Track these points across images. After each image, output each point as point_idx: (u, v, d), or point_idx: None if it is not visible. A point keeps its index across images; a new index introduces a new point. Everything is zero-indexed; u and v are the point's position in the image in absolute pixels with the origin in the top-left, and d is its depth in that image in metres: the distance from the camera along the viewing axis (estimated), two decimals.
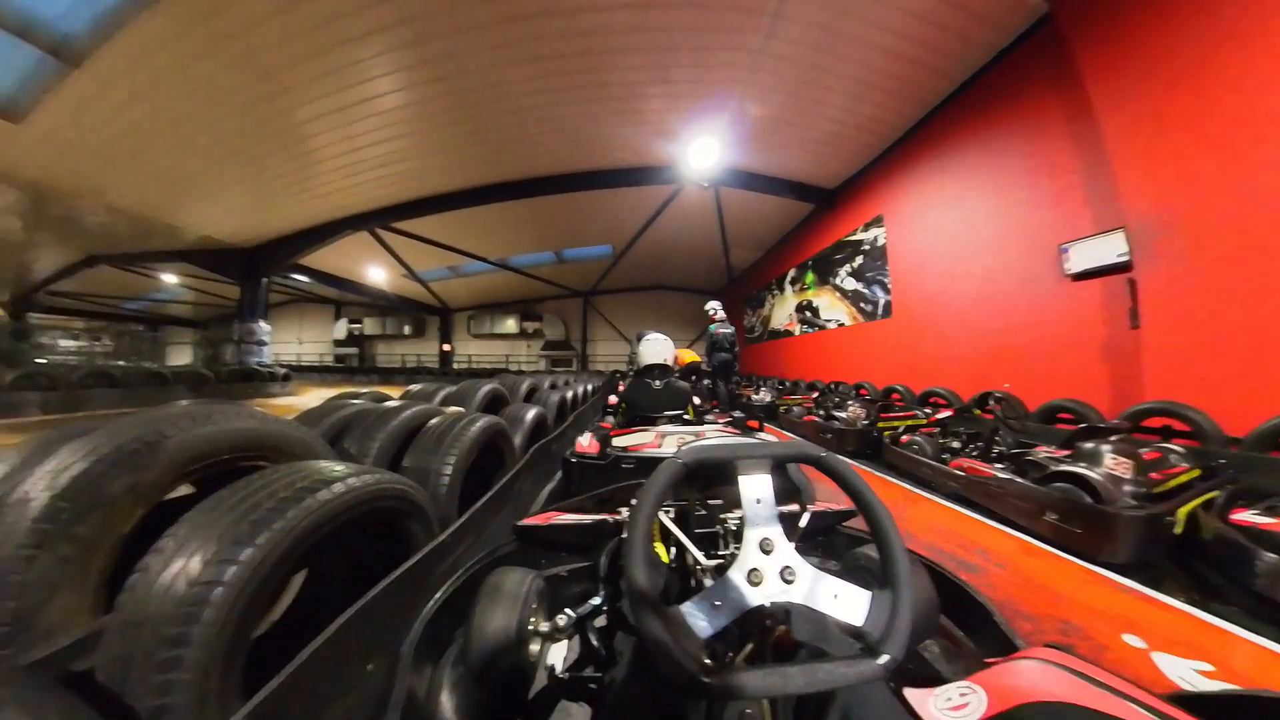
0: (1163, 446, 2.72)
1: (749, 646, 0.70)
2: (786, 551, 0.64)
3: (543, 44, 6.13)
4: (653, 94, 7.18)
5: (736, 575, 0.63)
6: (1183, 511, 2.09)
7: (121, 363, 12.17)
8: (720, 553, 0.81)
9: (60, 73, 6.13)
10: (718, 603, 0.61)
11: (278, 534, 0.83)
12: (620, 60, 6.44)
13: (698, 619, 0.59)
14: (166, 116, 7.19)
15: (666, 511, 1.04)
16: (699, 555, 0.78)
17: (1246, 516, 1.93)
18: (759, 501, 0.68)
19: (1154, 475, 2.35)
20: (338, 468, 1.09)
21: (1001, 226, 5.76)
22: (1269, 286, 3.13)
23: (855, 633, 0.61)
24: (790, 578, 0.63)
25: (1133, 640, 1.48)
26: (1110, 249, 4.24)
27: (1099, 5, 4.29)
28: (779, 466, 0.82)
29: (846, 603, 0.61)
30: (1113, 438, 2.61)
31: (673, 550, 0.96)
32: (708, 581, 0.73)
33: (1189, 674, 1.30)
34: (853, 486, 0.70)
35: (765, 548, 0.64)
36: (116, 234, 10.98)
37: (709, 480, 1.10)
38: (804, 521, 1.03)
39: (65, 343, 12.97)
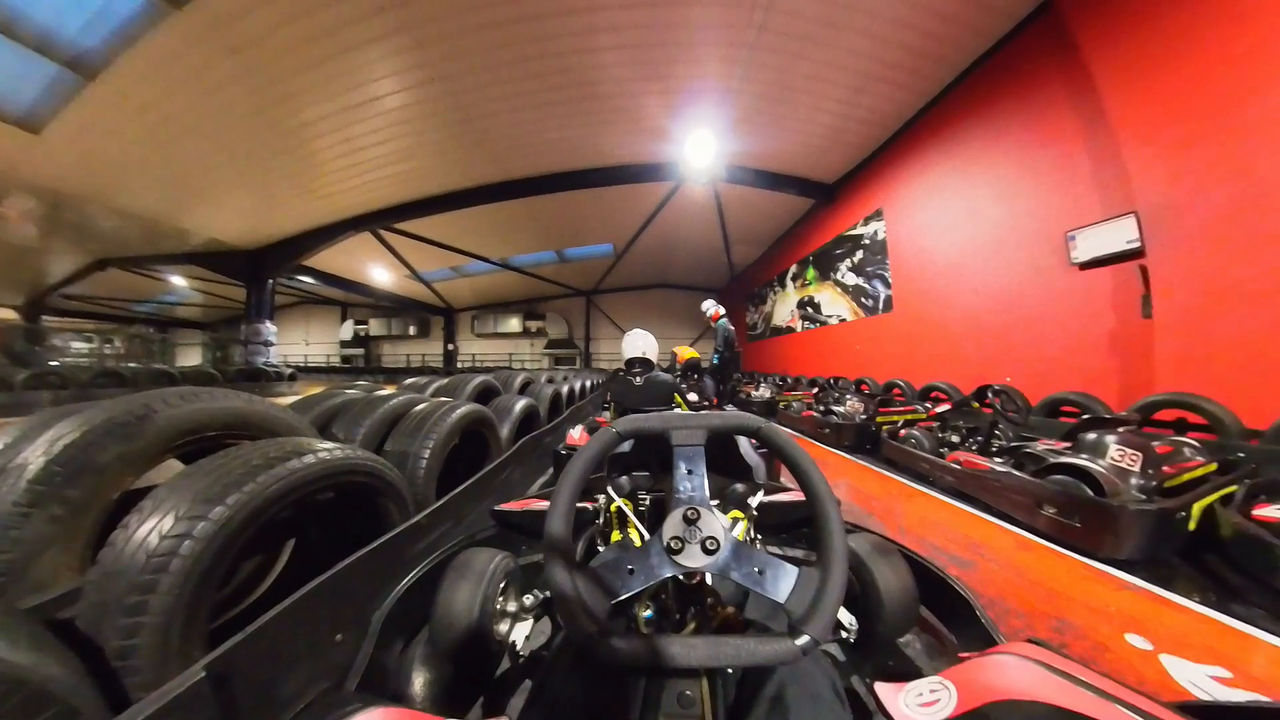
0: (1176, 440, 2.57)
1: (692, 624, 0.71)
2: (712, 523, 0.62)
3: (536, 45, 6.18)
4: (648, 91, 7.20)
5: (656, 543, 0.61)
6: (1197, 507, 1.98)
7: (132, 364, 12.38)
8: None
9: (77, 85, 6.30)
10: (631, 568, 0.60)
11: (245, 495, 0.88)
12: (614, 58, 6.47)
13: (612, 580, 0.58)
14: (176, 124, 7.34)
15: (626, 495, 1.07)
16: (643, 529, 0.80)
17: (1271, 512, 1.82)
18: (690, 473, 0.67)
19: (1166, 469, 2.24)
20: (313, 443, 1.14)
21: (1005, 216, 5.58)
22: None
23: (783, 610, 0.58)
24: (712, 547, 0.60)
25: (1137, 641, 1.37)
26: (1120, 235, 4.07)
27: None
28: (722, 440, 0.84)
29: (771, 578, 0.59)
30: (1119, 429, 2.53)
31: (644, 534, 0.97)
32: None
33: (1202, 679, 1.19)
34: (791, 458, 0.67)
35: (689, 517, 0.62)
36: (127, 238, 11.19)
37: (646, 450, 1.12)
38: (757, 499, 1.05)
39: (77, 345, 13.17)
